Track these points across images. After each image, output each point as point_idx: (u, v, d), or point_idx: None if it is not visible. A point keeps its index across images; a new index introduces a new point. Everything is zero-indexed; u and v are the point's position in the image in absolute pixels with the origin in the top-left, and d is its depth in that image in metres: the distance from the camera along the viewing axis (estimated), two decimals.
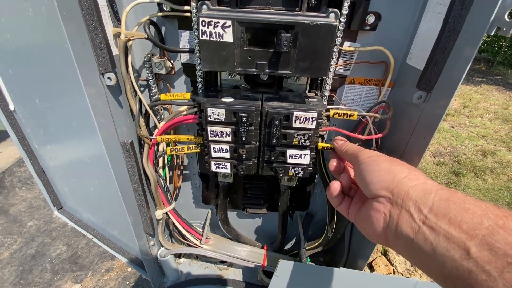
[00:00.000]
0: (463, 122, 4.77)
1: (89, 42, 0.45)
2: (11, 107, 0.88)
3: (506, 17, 0.35)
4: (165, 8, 0.52)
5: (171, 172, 0.76)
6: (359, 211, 0.44)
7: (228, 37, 0.43)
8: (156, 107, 0.64)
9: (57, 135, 0.83)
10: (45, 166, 1.06)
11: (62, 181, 1.05)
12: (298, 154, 0.54)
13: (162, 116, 0.67)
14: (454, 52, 0.42)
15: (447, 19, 0.41)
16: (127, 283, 1.77)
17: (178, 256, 0.97)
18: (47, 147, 0.95)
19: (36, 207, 2.32)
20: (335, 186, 0.50)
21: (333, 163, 0.53)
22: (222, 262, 0.95)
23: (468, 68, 0.39)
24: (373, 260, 1.80)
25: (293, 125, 0.51)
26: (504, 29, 0.35)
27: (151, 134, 0.65)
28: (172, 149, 0.62)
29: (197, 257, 0.97)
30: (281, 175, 0.57)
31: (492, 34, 0.36)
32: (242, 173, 0.57)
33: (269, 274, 0.86)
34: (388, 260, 1.79)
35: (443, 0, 0.43)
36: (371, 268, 1.74)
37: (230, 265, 0.95)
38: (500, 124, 4.74)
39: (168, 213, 0.75)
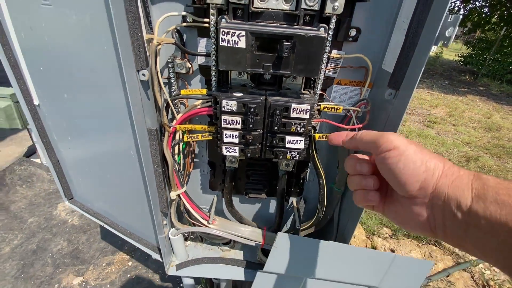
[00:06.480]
0: (449, 130, 4.99)
1: (130, 45, 0.56)
2: (35, 102, 1.00)
3: (446, 33, 0.48)
4: (188, 20, 0.64)
5: (184, 160, 0.87)
6: (392, 207, 0.41)
7: (242, 44, 0.55)
8: (175, 101, 0.75)
9: (82, 126, 0.93)
10: (61, 157, 1.16)
11: (78, 171, 1.15)
12: (294, 140, 0.67)
13: (179, 109, 0.78)
14: (413, 59, 0.55)
15: (408, 34, 0.54)
16: (128, 276, 1.83)
17: (184, 239, 1.06)
18: (68, 139, 1.06)
19: (36, 204, 2.37)
20: (376, 199, 0.43)
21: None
22: (225, 244, 1.05)
23: (422, 70, 0.52)
24: None
25: (291, 116, 0.63)
26: (445, 42, 0.48)
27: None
28: (189, 137, 0.73)
29: (202, 240, 1.07)
30: (281, 157, 0.69)
31: (438, 45, 0.49)
32: (249, 155, 0.69)
33: (267, 254, 0.97)
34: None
35: (406, 20, 0.56)
36: None
37: (232, 247, 1.05)
38: (483, 132, 4.98)
39: (180, 195, 0.86)
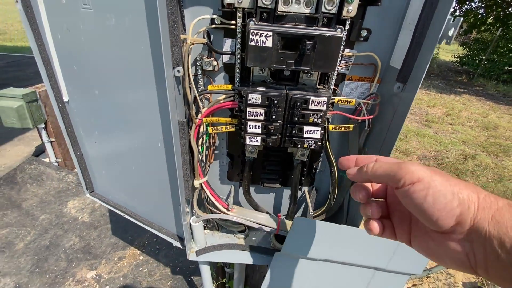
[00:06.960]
0: (446, 129, 5.09)
1: (169, 45, 0.63)
2: (65, 99, 1.07)
3: (449, 33, 0.56)
4: (216, 22, 0.71)
5: (206, 151, 0.94)
6: (422, 241, 0.38)
7: (269, 43, 0.62)
8: (201, 96, 0.82)
9: (111, 120, 0.99)
10: (85, 152, 1.22)
11: (102, 164, 1.21)
12: (312, 130, 0.74)
13: (203, 104, 0.85)
14: (419, 56, 0.62)
15: (414, 34, 0.62)
16: (140, 269, 1.89)
17: (203, 227, 1.13)
18: (95, 133, 1.12)
19: (47, 202, 2.42)
20: (376, 227, 0.41)
21: (358, 193, 0.43)
22: (240, 232, 1.12)
23: (427, 66, 0.59)
24: None
25: (310, 107, 0.70)
26: (448, 40, 0.56)
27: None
28: (214, 129, 0.80)
29: (218, 228, 1.14)
30: (299, 146, 0.76)
31: (441, 44, 0.57)
32: (270, 144, 0.76)
33: (280, 240, 1.04)
34: None
35: (413, 21, 0.64)
36: None
37: (247, 235, 1.12)
38: (480, 131, 5.09)
39: (202, 184, 0.92)
